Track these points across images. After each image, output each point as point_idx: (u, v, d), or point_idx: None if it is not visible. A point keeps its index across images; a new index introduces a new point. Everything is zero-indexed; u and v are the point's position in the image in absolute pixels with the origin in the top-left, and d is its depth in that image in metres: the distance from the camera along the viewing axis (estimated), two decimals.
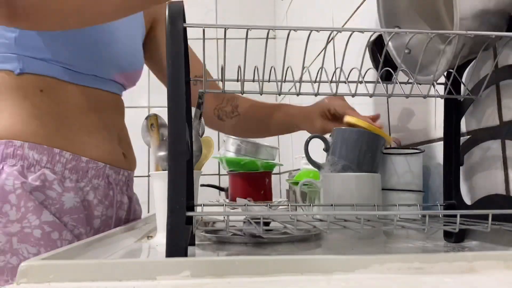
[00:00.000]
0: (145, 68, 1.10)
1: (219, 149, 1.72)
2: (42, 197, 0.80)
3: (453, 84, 0.63)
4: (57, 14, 0.71)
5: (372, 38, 0.72)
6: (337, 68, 0.58)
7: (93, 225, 0.88)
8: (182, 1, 0.48)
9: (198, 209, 0.61)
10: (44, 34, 0.84)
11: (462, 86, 0.67)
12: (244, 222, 0.76)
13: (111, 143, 0.93)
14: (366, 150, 0.76)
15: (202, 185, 1.95)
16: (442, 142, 0.69)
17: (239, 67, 0.54)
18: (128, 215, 0.99)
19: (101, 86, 0.92)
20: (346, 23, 1.30)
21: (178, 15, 0.47)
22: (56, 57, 0.85)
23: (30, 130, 0.83)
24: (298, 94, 0.57)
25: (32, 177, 0.80)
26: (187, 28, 0.49)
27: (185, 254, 0.45)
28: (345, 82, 0.60)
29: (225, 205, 0.61)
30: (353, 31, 0.53)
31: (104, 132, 0.92)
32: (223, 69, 0.55)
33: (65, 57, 0.86)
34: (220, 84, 0.75)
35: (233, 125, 1.15)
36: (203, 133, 0.79)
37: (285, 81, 0.58)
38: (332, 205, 0.63)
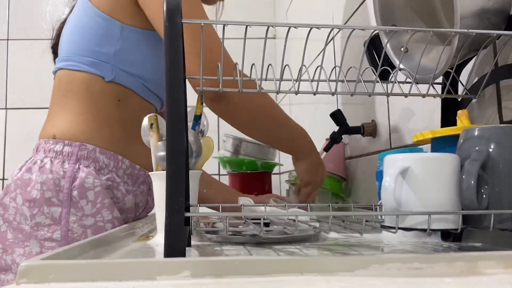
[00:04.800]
0: None
1: (219, 149, 1.72)
2: (111, 194, 0.92)
3: (451, 83, 0.63)
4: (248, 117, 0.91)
5: (371, 37, 0.72)
6: (335, 66, 0.58)
7: None
8: None
9: (196, 209, 0.61)
10: (138, 54, 0.96)
11: (459, 85, 0.67)
12: (244, 223, 0.76)
13: None
14: None
15: None
16: None
17: (236, 64, 0.54)
18: None
19: (156, 104, 1.04)
20: (346, 23, 1.30)
21: (176, 11, 0.46)
22: (140, 74, 0.97)
23: (101, 136, 0.93)
24: (297, 93, 0.57)
25: (105, 178, 0.91)
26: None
27: (183, 255, 0.45)
28: (343, 81, 0.59)
29: (221, 205, 0.60)
30: (353, 29, 0.53)
31: None
32: (220, 67, 0.55)
33: (146, 76, 0.98)
34: None
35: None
36: (203, 133, 0.79)
37: (283, 79, 0.58)
38: (329, 205, 0.63)
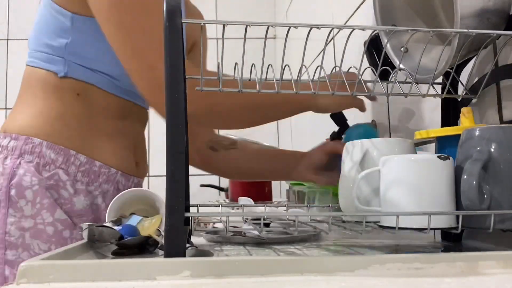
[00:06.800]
0: None
1: None
2: (55, 195, 0.83)
3: (451, 83, 0.62)
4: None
5: (371, 36, 0.72)
6: (335, 66, 0.58)
7: None
8: None
9: (195, 209, 0.61)
10: (94, 48, 0.87)
11: (459, 85, 0.67)
12: (245, 223, 0.76)
13: (126, 151, 0.95)
14: None
15: (202, 185, 1.94)
16: None
17: (236, 64, 0.54)
18: None
19: (130, 98, 0.94)
20: (346, 23, 1.30)
21: (175, 11, 0.46)
22: (101, 68, 0.89)
23: (52, 130, 0.86)
24: (297, 92, 0.57)
25: (47, 175, 0.82)
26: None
27: (183, 255, 0.45)
28: (343, 81, 0.59)
29: (222, 205, 0.60)
30: (354, 29, 0.52)
31: (122, 139, 0.94)
32: (219, 66, 0.55)
33: (110, 70, 0.89)
34: None
35: (224, 158, 1.13)
36: None
37: (283, 79, 0.58)
38: (329, 206, 0.63)
